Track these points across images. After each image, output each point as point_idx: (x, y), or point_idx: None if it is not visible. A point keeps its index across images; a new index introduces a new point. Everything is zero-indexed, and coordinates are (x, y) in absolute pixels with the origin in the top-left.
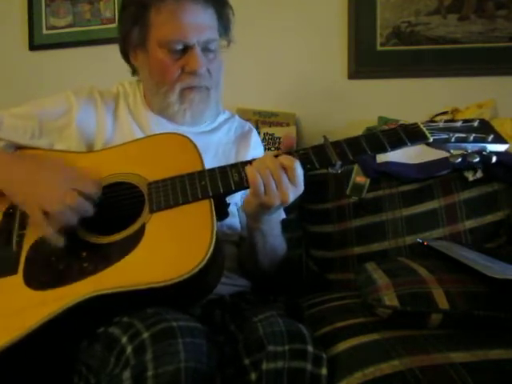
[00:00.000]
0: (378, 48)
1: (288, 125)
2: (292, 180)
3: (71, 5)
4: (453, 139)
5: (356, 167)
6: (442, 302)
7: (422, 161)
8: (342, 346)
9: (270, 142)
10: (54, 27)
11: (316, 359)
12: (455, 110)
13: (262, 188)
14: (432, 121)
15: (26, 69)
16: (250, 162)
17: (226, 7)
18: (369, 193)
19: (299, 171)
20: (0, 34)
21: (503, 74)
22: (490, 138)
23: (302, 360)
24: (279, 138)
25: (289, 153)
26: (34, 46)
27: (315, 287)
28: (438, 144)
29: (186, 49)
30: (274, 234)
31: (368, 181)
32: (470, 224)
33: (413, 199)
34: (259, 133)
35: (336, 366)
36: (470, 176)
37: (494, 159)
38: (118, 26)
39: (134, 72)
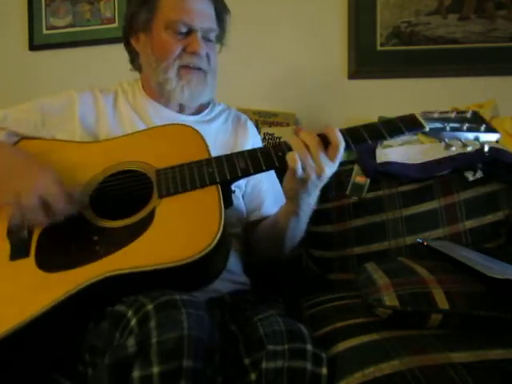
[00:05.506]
0: (378, 48)
1: (288, 125)
2: (332, 157)
3: (71, 5)
4: (448, 128)
5: (356, 167)
6: (442, 302)
7: (422, 161)
8: (342, 345)
9: (270, 142)
10: (54, 27)
11: (316, 359)
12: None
13: (300, 165)
14: (428, 111)
15: (26, 69)
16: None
17: (225, 9)
18: (369, 193)
19: (342, 150)
20: (0, 34)
21: (503, 74)
22: (483, 127)
23: (302, 359)
24: (279, 138)
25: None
26: (34, 46)
27: (315, 287)
28: (433, 133)
29: (190, 32)
30: (305, 220)
31: (368, 181)
32: (470, 224)
33: (413, 199)
34: (259, 132)
35: (336, 366)
36: (470, 176)
37: (487, 148)
38: (126, 9)
39: (133, 60)
